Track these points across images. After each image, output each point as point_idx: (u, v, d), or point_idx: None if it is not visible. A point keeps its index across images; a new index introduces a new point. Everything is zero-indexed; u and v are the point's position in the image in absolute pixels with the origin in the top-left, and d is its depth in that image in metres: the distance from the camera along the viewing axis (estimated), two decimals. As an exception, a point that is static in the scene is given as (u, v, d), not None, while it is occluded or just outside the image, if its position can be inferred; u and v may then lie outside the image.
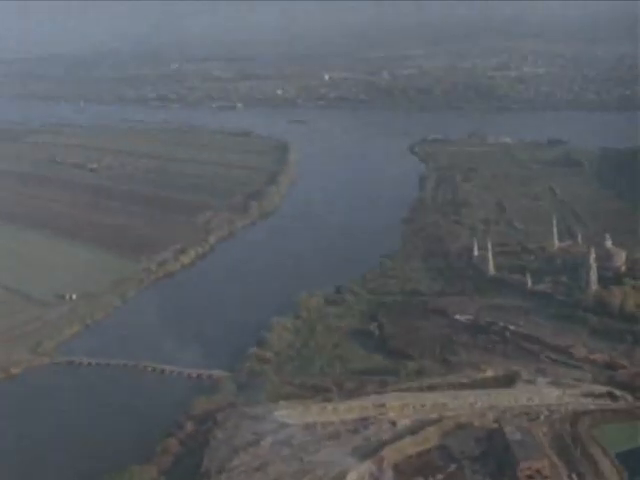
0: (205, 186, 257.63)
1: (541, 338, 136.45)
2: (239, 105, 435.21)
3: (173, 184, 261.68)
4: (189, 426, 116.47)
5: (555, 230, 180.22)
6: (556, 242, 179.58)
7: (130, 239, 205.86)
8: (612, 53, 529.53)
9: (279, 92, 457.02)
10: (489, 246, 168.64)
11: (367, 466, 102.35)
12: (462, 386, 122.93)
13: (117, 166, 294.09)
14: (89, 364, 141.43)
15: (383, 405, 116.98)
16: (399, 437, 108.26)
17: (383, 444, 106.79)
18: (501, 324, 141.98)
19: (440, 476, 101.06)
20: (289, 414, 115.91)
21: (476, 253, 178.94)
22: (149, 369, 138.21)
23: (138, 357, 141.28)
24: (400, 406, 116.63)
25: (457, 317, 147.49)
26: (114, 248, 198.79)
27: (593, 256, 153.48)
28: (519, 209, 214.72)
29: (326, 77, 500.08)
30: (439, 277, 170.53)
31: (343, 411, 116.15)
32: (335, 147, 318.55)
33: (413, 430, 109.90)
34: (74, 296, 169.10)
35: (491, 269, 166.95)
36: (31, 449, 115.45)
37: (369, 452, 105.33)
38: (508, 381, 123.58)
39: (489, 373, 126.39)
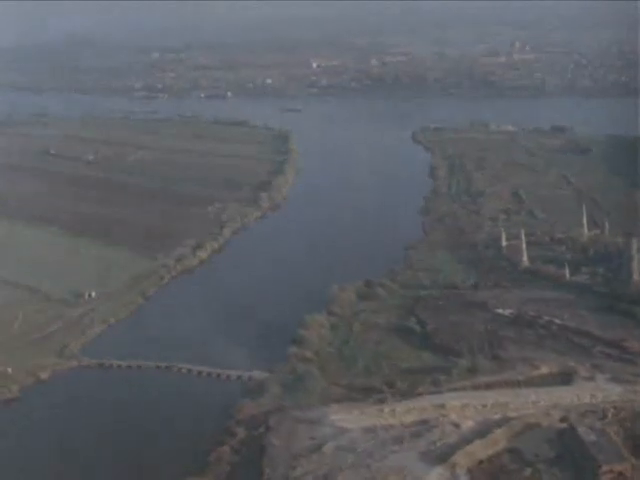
0: (210, 178, 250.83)
1: (591, 332, 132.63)
2: (229, 94, 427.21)
3: (177, 176, 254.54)
4: (241, 433, 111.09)
5: (585, 220, 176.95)
6: (585, 232, 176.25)
7: (141, 234, 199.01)
8: (600, 40, 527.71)
9: (269, 81, 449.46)
10: (522, 237, 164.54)
11: (440, 472, 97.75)
12: (518, 384, 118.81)
13: (115, 158, 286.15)
14: (119, 366, 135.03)
15: (443, 406, 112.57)
16: (466, 441, 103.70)
17: (451, 448, 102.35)
18: (546, 318, 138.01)
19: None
20: (345, 417, 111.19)
21: (504, 244, 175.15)
22: (184, 371, 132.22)
23: (168, 358, 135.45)
24: (460, 406, 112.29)
25: (499, 311, 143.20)
26: (126, 244, 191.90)
27: (636, 246, 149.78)
28: (537, 198, 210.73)
29: (314, 65, 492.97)
30: (470, 269, 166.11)
31: (401, 413, 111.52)
32: (334, 136, 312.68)
33: (479, 432, 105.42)
34: (93, 294, 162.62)
35: (525, 261, 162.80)
36: (74, 461, 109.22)
37: (438, 457, 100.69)
38: (565, 378, 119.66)
39: (544, 370, 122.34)
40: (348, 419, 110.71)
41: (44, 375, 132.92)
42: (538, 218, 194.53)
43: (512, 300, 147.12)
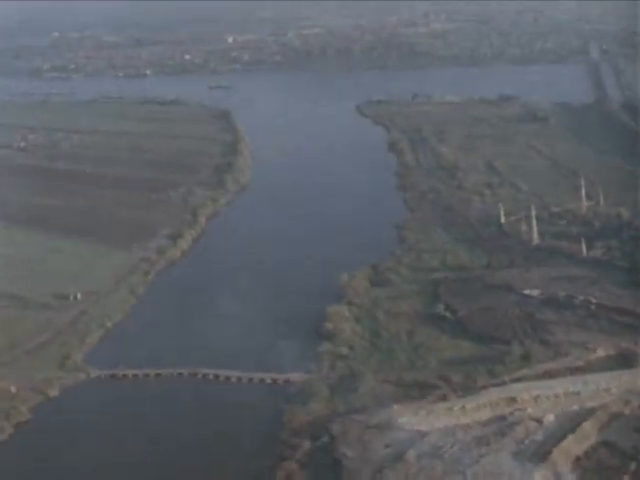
0: (161, 161, 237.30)
1: (632, 309, 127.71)
2: (148, 72, 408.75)
3: (124, 160, 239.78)
4: (302, 444, 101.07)
5: (583, 192, 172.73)
6: (584, 204, 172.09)
7: (107, 224, 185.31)
8: (509, 8, 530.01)
9: (187, 57, 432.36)
10: (532, 213, 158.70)
11: (543, 474, 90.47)
12: (579, 370, 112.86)
13: (49, 144, 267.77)
14: (135, 376, 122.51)
15: (514, 399, 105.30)
16: (554, 436, 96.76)
17: (542, 446, 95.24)
18: (581, 297, 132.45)
19: (626, 478, 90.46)
20: (414, 419, 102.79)
21: (503, 220, 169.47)
22: (211, 377, 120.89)
23: (185, 363, 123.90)
24: (532, 398, 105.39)
25: (526, 292, 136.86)
26: (95, 236, 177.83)
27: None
28: (514, 170, 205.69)
29: (229, 40, 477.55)
30: (475, 249, 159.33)
31: (472, 410, 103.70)
32: (275, 112, 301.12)
33: (565, 427, 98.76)
34: (79, 295, 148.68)
35: (535, 237, 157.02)
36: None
37: (533, 457, 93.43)
38: (626, 360, 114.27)
39: (600, 353, 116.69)
40: (417, 421, 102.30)
41: (52, 392, 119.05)
42: (523, 191, 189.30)
43: (535, 280, 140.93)
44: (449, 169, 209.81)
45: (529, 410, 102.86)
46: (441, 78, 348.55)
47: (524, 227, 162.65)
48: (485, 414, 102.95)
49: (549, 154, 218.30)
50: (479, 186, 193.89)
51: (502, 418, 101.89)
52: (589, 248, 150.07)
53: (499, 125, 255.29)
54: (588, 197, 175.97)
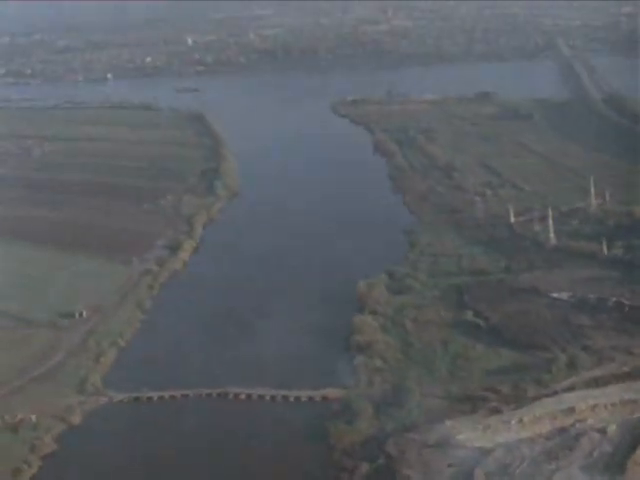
0: (144, 168, 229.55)
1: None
2: (109, 76, 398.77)
3: (103, 168, 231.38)
4: (358, 466, 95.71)
5: (592, 190, 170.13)
6: (593, 202, 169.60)
7: (102, 237, 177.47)
8: (464, 5, 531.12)
9: (148, 60, 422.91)
10: (550, 213, 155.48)
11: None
12: (628, 376, 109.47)
13: (19, 152, 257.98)
14: (161, 399, 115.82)
15: (572, 410, 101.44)
16: (622, 447, 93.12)
17: (612, 458, 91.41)
18: (613, 299, 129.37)
19: None
20: (472, 435, 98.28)
21: (512, 220, 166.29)
22: (242, 397, 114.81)
23: (210, 382, 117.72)
24: (590, 408, 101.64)
25: (555, 295, 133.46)
26: (90, 249, 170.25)
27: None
28: (510, 169, 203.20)
29: (189, 41, 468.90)
30: (491, 251, 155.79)
31: (531, 423, 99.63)
32: (249, 114, 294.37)
33: (628, 436, 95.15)
34: (84, 312, 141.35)
35: (552, 238, 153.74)
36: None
37: (605, 470, 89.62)
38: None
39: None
40: (476, 437, 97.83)
41: (75, 419, 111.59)
42: (525, 190, 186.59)
43: (561, 282, 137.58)
44: (444, 169, 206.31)
45: (589, 421, 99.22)
46: (411, 76, 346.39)
47: (537, 227, 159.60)
48: (545, 427, 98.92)
49: (541, 152, 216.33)
50: (479, 186, 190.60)
51: (564, 430, 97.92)
52: (609, 248, 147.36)
53: (483, 123, 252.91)
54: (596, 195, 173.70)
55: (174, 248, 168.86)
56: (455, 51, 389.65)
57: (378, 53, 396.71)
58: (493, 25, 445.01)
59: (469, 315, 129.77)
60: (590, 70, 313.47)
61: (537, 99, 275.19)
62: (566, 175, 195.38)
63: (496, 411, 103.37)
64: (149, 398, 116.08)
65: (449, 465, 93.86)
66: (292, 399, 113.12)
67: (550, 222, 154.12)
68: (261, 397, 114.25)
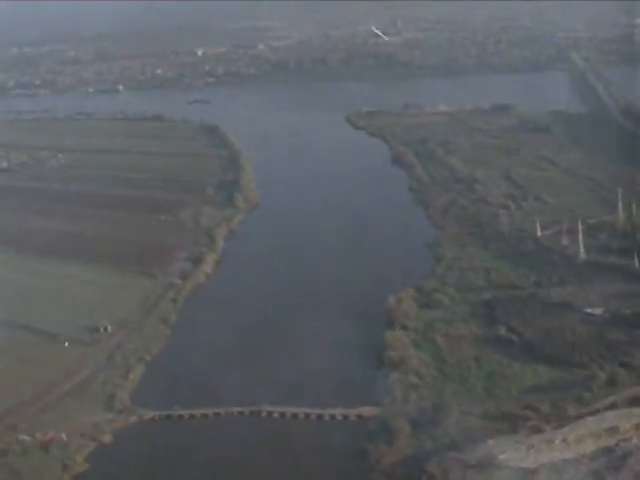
0: (159, 179, 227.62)
1: None
2: (120, 87, 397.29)
3: (120, 180, 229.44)
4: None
5: (620, 203, 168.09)
6: (621, 215, 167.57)
7: (122, 250, 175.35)
8: (474, 16, 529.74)
9: (159, 71, 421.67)
10: (580, 227, 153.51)
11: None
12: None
13: (33, 164, 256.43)
14: (192, 417, 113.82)
15: (616, 429, 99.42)
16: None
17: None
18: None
19: None
20: (515, 455, 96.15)
21: (539, 234, 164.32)
22: (276, 415, 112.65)
23: (242, 400, 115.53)
24: (634, 427, 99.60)
25: (588, 311, 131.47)
26: (111, 262, 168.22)
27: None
28: (532, 182, 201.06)
29: (199, 53, 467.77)
30: (519, 265, 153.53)
31: (575, 443, 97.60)
32: (263, 125, 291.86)
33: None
34: (109, 327, 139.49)
35: (582, 252, 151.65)
36: None
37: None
38: None
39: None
40: (520, 457, 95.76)
41: (106, 438, 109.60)
42: (549, 203, 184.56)
43: (593, 297, 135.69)
44: (465, 182, 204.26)
45: (634, 440, 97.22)
46: (425, 88, 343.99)
47: (565, 241, 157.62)
48: (589, 446, 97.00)
49: (562, 164, 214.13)
50: (502, 199, 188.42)
51: (610, 450, 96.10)
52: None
53: (501, 135, 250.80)
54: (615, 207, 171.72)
55: (196, 261, 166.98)
56: (467, 62, 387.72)
57: (390, 64, 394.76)
58: (504, 36, 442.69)
59: (502, 330, 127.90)
60: (605, 82, 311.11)
61: (554, 111, 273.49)
62: (589, 188, 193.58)
63: (537, 430, 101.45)
64: (180, 416, 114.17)
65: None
66: (327, 417, 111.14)
67: (580, 236, 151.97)
68: (295, 415, 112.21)
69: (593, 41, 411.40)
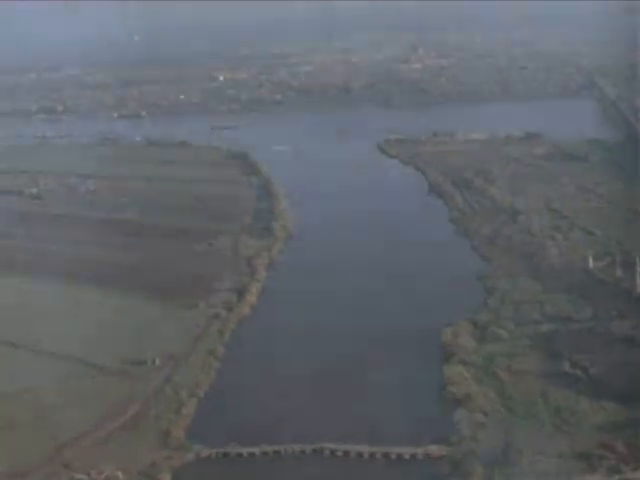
0: (192, 207, 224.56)
1: None
2: (143, 113, 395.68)
3: (151, 207, 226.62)
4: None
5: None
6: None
7: (160, 279, 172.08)
8: (497, 41, 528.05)
9: (182, 97, 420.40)
10: (638, 261, 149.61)
11: None
12: None
13: (63, 190, 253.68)
14: (251, 455, 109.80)
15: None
16: None
17: None
18: None
19: None
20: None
21: (591, 265, 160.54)
22: (339, 453, 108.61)
23: (299, 437, 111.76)
24: None
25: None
26: (150, 291, 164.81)
27: None
28: (576, 212, 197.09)
29: (220, 78, 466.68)
30: (573, 298, 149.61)
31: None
32: (293, 153, 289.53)
33: None
34: (157, 360, 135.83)
35: (639, 285, 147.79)
36: None
37: None
38: None
39: None
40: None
41: (164, 477, 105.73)
42: (596, 235, 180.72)
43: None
44: (508, 212, 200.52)
45: None
46: (452, 115, 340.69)
47: (619, 273, 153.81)
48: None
49: (604, 194, 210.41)
50: (548, 230, 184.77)
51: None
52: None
53: (538, 164, 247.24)
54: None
55: (240, 291, 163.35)
56: (493, 89, 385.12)
57: (414, 91, 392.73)
58: (528, 63, 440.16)
59: (566, 366, 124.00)
60: (636, 109, 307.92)
61: (589, 139, 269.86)
62: (635, 219, 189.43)
63: (616, 471, 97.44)
64: (239, 454, 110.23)
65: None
66: (393, 456, 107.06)
67: (638, 268, 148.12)
68: (359, 454, 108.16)
69: (622, 68, 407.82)
